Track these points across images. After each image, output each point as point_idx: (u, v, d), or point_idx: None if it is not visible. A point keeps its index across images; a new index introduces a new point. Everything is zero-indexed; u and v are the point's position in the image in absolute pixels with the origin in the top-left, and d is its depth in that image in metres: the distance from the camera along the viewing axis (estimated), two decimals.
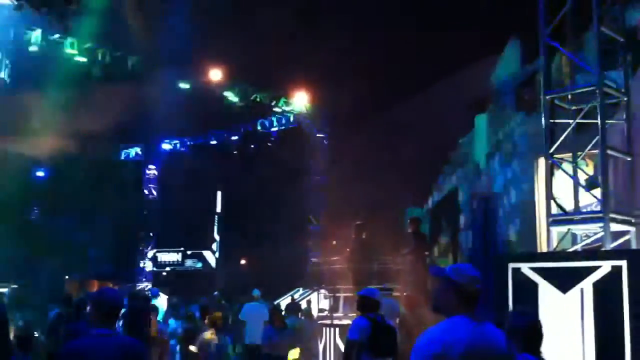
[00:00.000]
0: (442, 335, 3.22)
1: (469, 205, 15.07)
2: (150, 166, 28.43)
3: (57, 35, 19.53)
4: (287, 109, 24.59)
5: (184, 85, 22.26)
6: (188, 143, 28.30)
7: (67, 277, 20.97)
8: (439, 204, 18.95)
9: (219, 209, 28.98)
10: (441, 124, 21.80)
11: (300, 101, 23.92)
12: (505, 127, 13.42)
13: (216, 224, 28.75)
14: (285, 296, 19.09)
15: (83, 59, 20.16)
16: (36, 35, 19.23)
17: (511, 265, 5.42)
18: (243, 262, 29.38)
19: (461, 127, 18.66)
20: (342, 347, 10.35)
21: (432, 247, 17.92)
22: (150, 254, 27.30)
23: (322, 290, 16.12)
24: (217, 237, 28.64)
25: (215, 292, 19.34)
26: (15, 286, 16.18)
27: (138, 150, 28.50)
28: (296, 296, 18.89)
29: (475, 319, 3.28)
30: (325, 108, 24.47)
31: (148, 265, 26.98)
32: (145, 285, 24.14)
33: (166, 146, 28.54)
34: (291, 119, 25.02)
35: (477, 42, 20.49)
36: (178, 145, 28.40)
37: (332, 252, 17.52)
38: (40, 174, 25.02)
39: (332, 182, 24.00)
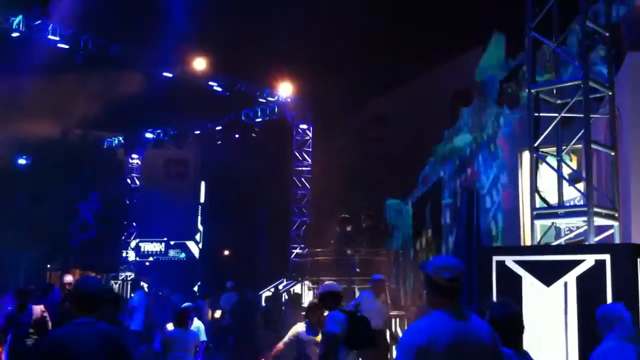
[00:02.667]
0: (426, 329, 3.22)
1: (452, 198, 15.12)
2: (133, 155, 28.22)
3: (38, 22, 19.29)
4: (271, 99, 24.49)
5: (167, 74, 22.07)
6: (171, 132, 28.08)
7: (48, 265, 20.80)
8: (422, 197, 18.98)
9: (202, 199, 28.87)
10: (426, 116, 21.84)
11: (284, 92, 23.84)
12: (488, 120, 13.45)
13: (199, 214, 28.65)
14: (269, 287, 19.08)
15: (65, 46, 19.94)
16: (18, 21, 18.99)
17: (495, 258, 5.43)
18: (226, 252, 29.31)
19: (445, 119, 18.67)
20: None
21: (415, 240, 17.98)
22: (133, 243, 27.18)
23: (306, 282, 16.15)
24: (200, 227, 28.56)
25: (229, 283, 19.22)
26: None
27: (120, 138, 28.26)
28: (280, 287, 18.88)
29: (458, 311, 3.28)
30: (309, 99, 24.42)
31: (131, 255, 26.86)
32: (127, 275, 24.03)
33: (149, 135, 28.31)
34: (275, 109, 24.92)
35: (462, 35, 20.52)
36: (161, 134, 28.17)
37: (316, 244, 17.57)
38: (22, 161, 24.72)
39: (316, 173, 24.00)
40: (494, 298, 5.38)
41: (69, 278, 10.73)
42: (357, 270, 11.02)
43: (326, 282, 7.06)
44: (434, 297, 3.32)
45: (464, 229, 6.36)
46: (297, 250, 22.52)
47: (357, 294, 11.69)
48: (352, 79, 23.02)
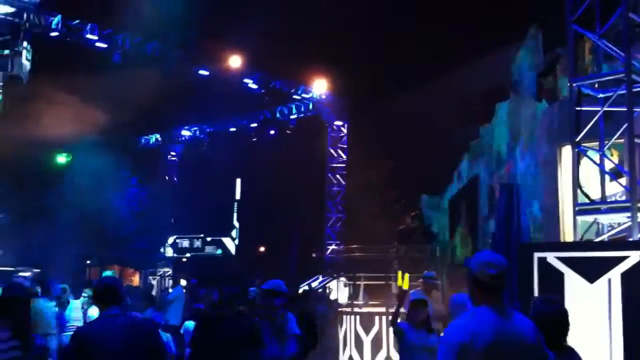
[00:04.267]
0: (468, 326, 3.20)
1: (489, 194, 14.96)
2: (171, 152, 28.56)
3: (77, 21, 19.61)
4: (306, 96, 24.54)
5: (203, 72, 22.26)
6: (207, 130, 28.32)
7: (88, 262, 21.16)
8: (458, 193, 18.84)
9: (238, 196, 29.05)
10: (460, 112, 21.66)
11: (319, 89, 23.85)
12: (526, 115, 13.27)
13: (235, 210, 28.83)
14: (304, 283, 19.12)
15: (103, 45, 20.24)
16: (56, 21, 19.33)
17: (536, 255, 5.35)
18: (262, 249, 29.47)
19: (481, 115, 18.50)
20: (362, 334, 10.35)
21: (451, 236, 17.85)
22: (170, 240, 27.52)
23: (342, 278, 16.14)
24: (236, 224, 28.74)
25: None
26: (38, 270, 16.36)
27: (158, 136, 28.60)
28: (315, 284, 18.92)
29: (501, 308, 3.25)
30: (344, 96, 24.41)
31: (168, 251, 27.20)
32: (165, 271, 24.34)
33: (186, 133, 28.60)
34: (310, 106, 24.97)
35: (497, 29, 20.29)
36: (197, 132, 28.43)
37: (352, 240, 17.57)
38: (61, 159, 25.15)
39: (350, 170, 23.98)
40: (536, 295, 5.31)
41: (108, 274, 10.93)
42: (398, 267, 10.98)
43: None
44: (476, 293, 3.30)
45: (502, 225, 6.28)
46: (333, 247, 22.55)
47: None
48: (386, 75, 22.98)
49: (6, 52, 19.54)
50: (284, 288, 5.95)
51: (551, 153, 9.94)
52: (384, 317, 11.03)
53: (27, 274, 15.37)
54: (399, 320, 5.99)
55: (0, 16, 17.83)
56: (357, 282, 12.98)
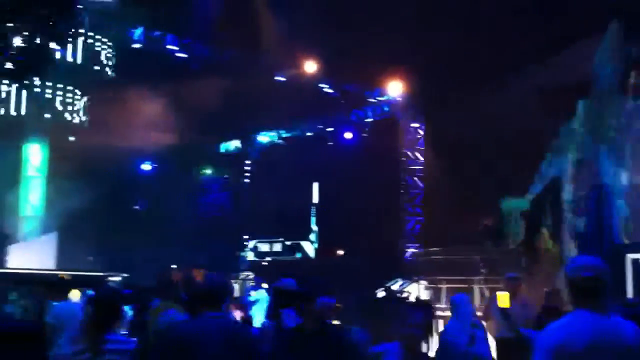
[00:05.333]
0: (564, 327, 3.21)
1: (574, 195, 14.55)
2: (249, 158, 29.06)
3: (158, 32, 20.25)
4: (381, 98, 24.52)
5: (280, 78, 22.59)
6: (284, 135, 28.66)
7: (174, 266, 21.73)
8: (540, 194, 18.41)
9: (315, 200, 29.22)
10: (539, 110, 21.11)
11: (394, 91, 23.77)
12: (610, 112, 12.86)
13: (313, 214, 29.02)
14: (385, 286, 19.05)
15: (183, 55, 20.84)
16: (138, 32, 20.01)
17: (630, 256, 5.21)
18: (340, 252, 29.54)
19: (562, 113, 18.01)
20: None
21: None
22: (251, 244, 28.01)
23: (422, 282, 16.01)
24: (314, 227, 28.92)
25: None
26: (126, 275, 16.94)
27: (237, 142, 29.15)
28: (395, 287, 18.82)
29: (599, 310, 3.21)
30: (419, 97, 24.21)
31: (249, 255, 27.70)
32: (246, 275, 24.74)
33: (263, 138, 29.04)
34: (386, 109, 24.90)
35: (578, 23, 19.70)
36: (274, 137, 28.82)
37: (431, 243, 17.41)
38: (145, 167, 26.02)
39: (428, 172, 23.76)
40: (629, 297, 5.17)
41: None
42: (482, 270, 10.80)
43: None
44: (573, 296, 3.34)
45: (593, 226, 6.10)
46: (412, 250, 22.40)
47: (487, 295, 11.17)
48: (462, 74, 22.64)
49: (90, 63, 20.38)
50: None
51: (636, 150, 9.62)
52: None
53: (117, 279, 15.96)
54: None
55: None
56: (439, 285, 12.86)
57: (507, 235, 18.97)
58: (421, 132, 24.26)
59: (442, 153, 22.61)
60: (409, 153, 24.07)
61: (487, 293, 11.99)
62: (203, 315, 4.41)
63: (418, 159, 24.01)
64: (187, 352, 4.22)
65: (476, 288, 12.58)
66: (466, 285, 12.60)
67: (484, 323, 8.70)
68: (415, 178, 23.85)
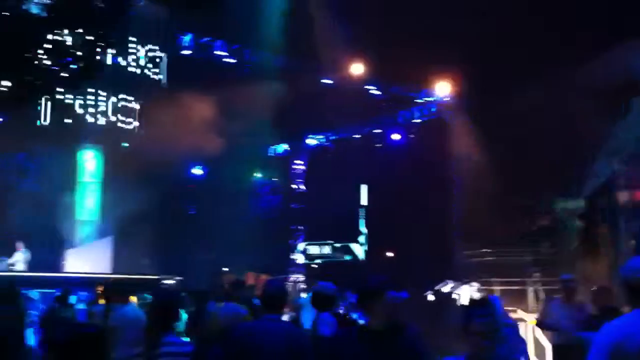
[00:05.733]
0: (622, 327, 3.22)
1: (629, 195, 14.22)
2: (298, 161, 29.29)
3: (207, 38, 20.58)
4: (429, 99, 24.40)
5: (327, 81, 22.70)
6: (332, 137, 28.78)
7: (226, 269, 22.02)
8: (593, 194, 18.05)
9: (364, 202, 29.22)
10: (589, 108, 20.69)
11: (441, 91, 23.62)
12: None
13: (362, 216, 29.03)
14: (434, 289, 18.97)
15: (232, 60, 21.12)
16: (187, 39, 20.37)
17: None
18: (390, 254, 29.47)
19: (616, 111, 17.64)
20: None
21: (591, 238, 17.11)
22: (300, 246, 28.23)
23: (474, 284, 15.86)
24: (364, 229, 28.93)
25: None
26: (181, 278, 17.23)
27: (286, 146, 29.41)
28: (445, 289, 18.71)
29: None
30: (467, 97, 23.99)
31: (299, 258, 27.93)
32: (297, 277, 24.97)
33: (311, 141, 29.21)
34: (433, 109, 24.77)
35: (631, 16, 19.23)
36: (323, 140, 28.97)
37: (483, 244, 17.23)
38: (197, 171, 26.43)
39: (477, 171, 23.49)
40: None
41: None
42: (536, 271, 10.64)
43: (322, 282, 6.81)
44: (629, 297, 3.37)
45: None
46: (464, 252, 22.20)
47: (542, 296, 11.00)
48: (511, 73, 22.33)
49: (140, 72, 20.82)
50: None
51: None
52: (521, 324, 10.76)
53: (171, 282, 16.25)
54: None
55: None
56: (491, 287, 12.72)
57: (562, 236, 18.65)
58: (469, 132, 24.01)
59: (491, 152, 22.33)
60: (457, 153, 23.85)
61: (542, 295, 11.80)
62: (263, 318, 4.53)
63: (467, 159, 23.76)
64: (248, 354, 4.32)
65: (530, 290, 12.39)
66: (520, 287, 12.42)
67: (540, 329, 8.58)
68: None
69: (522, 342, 7.09)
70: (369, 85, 23.22)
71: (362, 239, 28.98)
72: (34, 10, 12.46)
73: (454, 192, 23.66)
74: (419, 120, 25.43)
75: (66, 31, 12.87)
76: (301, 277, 25.16)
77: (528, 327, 10.88)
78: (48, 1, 12.57)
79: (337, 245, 28.59)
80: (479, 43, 21.70)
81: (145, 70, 20.76)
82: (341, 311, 6.80)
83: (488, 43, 22.02)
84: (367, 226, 29.16)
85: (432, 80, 23.58)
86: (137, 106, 21.85)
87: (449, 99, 23.78)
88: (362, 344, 4.17)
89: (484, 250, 15.64)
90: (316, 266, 28.21)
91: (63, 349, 3.24)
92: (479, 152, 23.57)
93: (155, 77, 21.32)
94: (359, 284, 4.38)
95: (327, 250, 28.68)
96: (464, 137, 24.01)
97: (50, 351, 3.59)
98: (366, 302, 4.27)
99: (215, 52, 20.78)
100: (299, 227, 28.39)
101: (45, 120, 20.99)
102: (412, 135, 25.80)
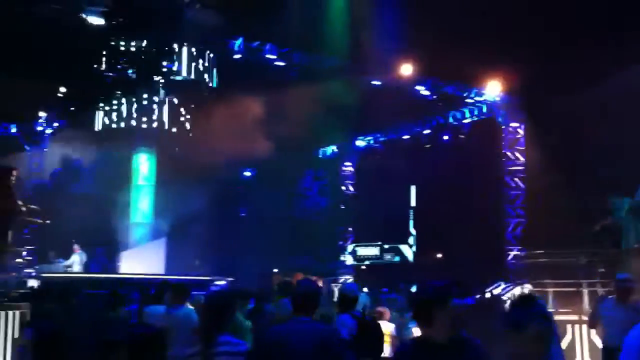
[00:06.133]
0: None
1: None
2: (346, 163, 29.36)
3: (257, 42, 20.77)
4: (479, 99, 24.13)
5: (375, 82, 22.66)
6: (381, 139, 28.75)
7: (275, 270, 22.23)
8: None
9: (413, 203, 29.10)
10: None
11: (492, 91, 23.32)
12: None
13: (411, 218, 28.91)
14: (486, 291, 18.74)
15: (281, 63, 21.27)
16: (238, 43, 20.58)
17: None
18: (439, 255, 29.27)
19: None
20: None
21: None
22: (349, 248, 28.28)
23: (527, 285, 15.62)
24: (413, 230, 28.80)
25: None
26: (232, 279, 17.46)
27: (334, 148, 29.49)
28: (497, 291, 18.47)
29: None
30: (519, 96, 23.63)
31: (348, 259, 27.97)
32: (346, 278, 24.96)
33: (360, 143, 29.24)
34: (484, 109, 24.49)
35: None
36: (371, 141, 28.96)
37: (535, 245, 16.91)
38: (247, 173, 26.75)
39: (529, 172, 23.13)
40: None
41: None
42: (594, 272, 10.46)
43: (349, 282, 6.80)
44: None
45: None
46: (515, 252, 21.90)
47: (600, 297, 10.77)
48: (564, 72, 21.90)
49: (192, 77, 21.16)
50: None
51: None
52: (576, 326, 10.57)
53: (222, 282, 16.47)
54: None
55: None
56: (545, 289, 12.51)
57: (623, 236, 18.17)
58: (521, 132, 23.66)
59: (544, 152, 21.96)
60: (509, 153, 23.53)
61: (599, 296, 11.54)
62: (293, 319, 4.53)
63: (519, 159, 23.43)
64: (278, 356, 4.34)
65: (585, 291, 12.15)
66: (575, 289, 12.18)
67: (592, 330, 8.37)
68: (516, 179, 23.27)
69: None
70: (418, 85, 23.08)
71: (411, 240, 28.85)
72: (92, 18, 12.83)
73: (506, 192, 23.31)
74: (469, 120, 25.15)
75: (122, 38, 13.20)
76: (350, 278, 25.13)
77: (583, 328, 10.68)
78: (105, 10, 12.93)
79: (386, 246, 28.53)
80: (532, 39, 21.36)
81: (197, 75, 21.08)
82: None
83: (542, 39, 21.66)
84: (415, 227, 29.02)
85: (482, 79, 23.29)
86: (189, 110, 22.22)
87: (500, 98, 23.44)
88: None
89: (538, 251, 15.36)
90: (365, 267, 28.22)
91: (129, 349, 3.33)
92: (532, 151, 23.19)
93: (207, 81, 21.65)
94: (419, 290, 4.04)
95: (375, 251, 28.66)
96: (517, 137, 23.67)
97: (113, 351, 3.69)
98: (426, 311, 3.65)
99: (266, 56, 20.94)
100: (348, 229, 28.48)
101: (100, 125, 21.55)
102: (462, 136, 25.55)
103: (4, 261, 9.69)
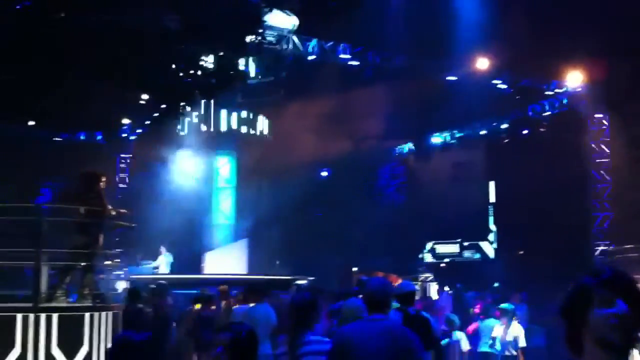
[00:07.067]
0: None
1: None
2: (423, 160, 29.11)
3: (331, 42, 20.88)
4: (559, 91, 23.46)
5: (451, 78, 22.39)
6: (457, 135, 28.39)
7: (355, 269, 22.30)
8: None
9: (492, 199, 28.57)
10: None
11: (573, 82, 22.62)
12: None
13: (491, 214, 28.39)
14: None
15: (355, 63, 21.31)
16: (313, 44, 20.74)
17: None
18: (521, 252, 28.64)
19: None
20: None
21: None
22: (428, 246, 28.03)
23: None
24: (493, 227, 28.28)
25: (496, 284, 19.23)
26: (312, 278, 17.62)
27: (410, 145, 29.32)
28: None
29: None
30: (602, 86, 22.81)
31: (427, 257, 27.73)
32: (425, 277, 24.75)
33: (436, 140, 28.94)
34: (565, 101, 23.80)
35: None
36: (447, 137, 28.62)
37: (624, 240, 16.33)
38: (324, 174, 26.93)
39: (616, 164, 22.32)
40: None
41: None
42: None
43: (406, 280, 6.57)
44: None
45: None
46: (602, 248, 21.20)
47: None
48: None
49: (270, 79, 21.45)
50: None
51: None
52: None
53: (303, 282, 16.63)
54: None
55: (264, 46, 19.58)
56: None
57: None
58: (605, 123, 22.86)
59: (631, 143, 21.16)
60: (593, 146, 22.77)
61: None
62: (365, 318, 4.53)
63: (604, 151, 22.64)
64: (353, 354, 4.34)
65: None
66: None
67: None
68: (602, 172, 22.50)
69: None
70: (495, 79, 22.65)
71: (491, 237, 28.34)
72: (172, 25, 13.21)
73: (591, 186, 22.58)
74: (549, 113, 24.50)
75: (201, 43, 13.54)
76: (430, 277, 24.90)
77: None
78: (184, 16, 13.29)
79: (466, 243, 28.12)
80: (613, 28, 20.61)
81: (273, 77, 21.36)
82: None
83: (622, 28, 20.84)
84: (496, 224, 28.48)
85: (562, 71, 22.62)
86: (266, 112, 22.56)
87: (581, 89, 22.70)
88: None
89: (627, 245, 14.81)
90: (444, 265, 27.92)
91: (229, 348, 3.42)
92: (615, 143, 22.39)
93: (283, 83, 21.91)
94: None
95: (455, 249, 28.30)
96: (601, 128, 22.90)
97: (212, 350, 3.81)
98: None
99: (340, 56, 21.02)
100: (426, 226, 28.20)
101: (183, 129, 22.19)
102: (542, 129, 24.91)
103: (97, 264, 10.07)
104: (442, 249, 28.43)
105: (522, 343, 10.05)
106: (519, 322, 10.52)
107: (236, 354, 3.28)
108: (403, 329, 4.71)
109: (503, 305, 10.74)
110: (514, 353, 9.97)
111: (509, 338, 10.05)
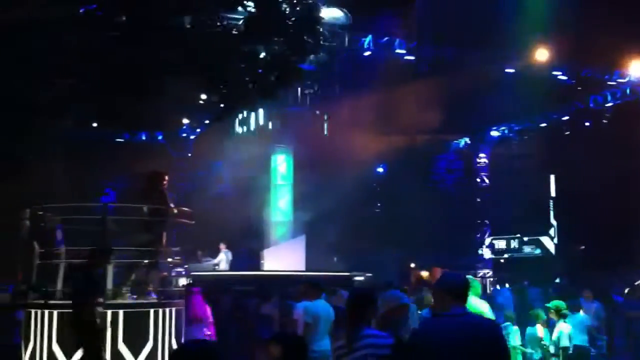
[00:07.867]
0: None
1: None
2: (480, 154, 28.74)
3: (386, 38, 20.82)
4: (622, 81, 22.79)
5: (509, 70, 22.02)
6: (516, 128, 27.89)
7: (412, 265, 22.27)
8: None
9: (553, 193, 28.02)
10: None
11: (637, 71, 21.94)
12: None
13: (552, 208, 27.84)
14: (635, 284, 17.68)
15: (410, 57, 21.19)
16: (368, 40, 20.72)
17: None
18: (583, 247, 28.03)
19: None
20: None
21: None
22: (487, 241, 27.68)
23: None
24: (554, 221, 27.74)
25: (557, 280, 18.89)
26: (370, 275, 17.66)
27: (467, 139, 28.99)
28: None
29: None
30: None
31: (486, 253, 27.39)
32: (485, 272, 24.55)
33: (494, 133, 28.53)
34: (628, 91, 23.13)
35: None
36: (506, 131, 28.16)
37: None
38: (380, 169, 26.89)
39: None
40: None
41: (425, 274, 11.48)
42: None
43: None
44: None
45: None
46: None
47: None
48: None
49: (324, 77, 21.48)
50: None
51: None
52: None
53: (361, 278, 16.69)
54: None
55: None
56: None
57: None
58: None
59: None
60: None
61: None
62: (445, 313, 4.46)
63: None
64: (428, 353, 4.31)
65: None
66: None
67: None
68: None
69: None
70: (555, 70, 22.14)
71: (552, 231, 27.81)
72: (230, 24, 13.42)
73: None
74: (611, 104, 23.84)
75: (260, 42, 13.69)
76: (489, 272, 24.67)
77: None
78: (243, 15, 13.48)
79: (525, 238, 27.66)
80: None
81: (329, 74, 21.38)
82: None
83: None
84: (557, 218, 27.93)
85: (625, 59, 21.98)
86: (323, 109, 22.62)
87: None
88: None
89: None
90: (503, 261, 27.56)
91: (282, 347, 3.52)
92: None
93: (339, 79, 21.94)
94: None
95: (514, 244, 27.88)
96: None
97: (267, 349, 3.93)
98: None
99: (395, 51, 20.91)
100: (484, 221, 27.87)
101: (240, 128, 22.49)
102: (604, 121, 24.26)
103: (160, 261, 10.36)
104: (501, 244, 28.05)
105: (565, 342, 9.90)
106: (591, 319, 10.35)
107: (289, 353, 3.34)
108: (489, 323, 4.64)
109: (554, 303, 10.57)
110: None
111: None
